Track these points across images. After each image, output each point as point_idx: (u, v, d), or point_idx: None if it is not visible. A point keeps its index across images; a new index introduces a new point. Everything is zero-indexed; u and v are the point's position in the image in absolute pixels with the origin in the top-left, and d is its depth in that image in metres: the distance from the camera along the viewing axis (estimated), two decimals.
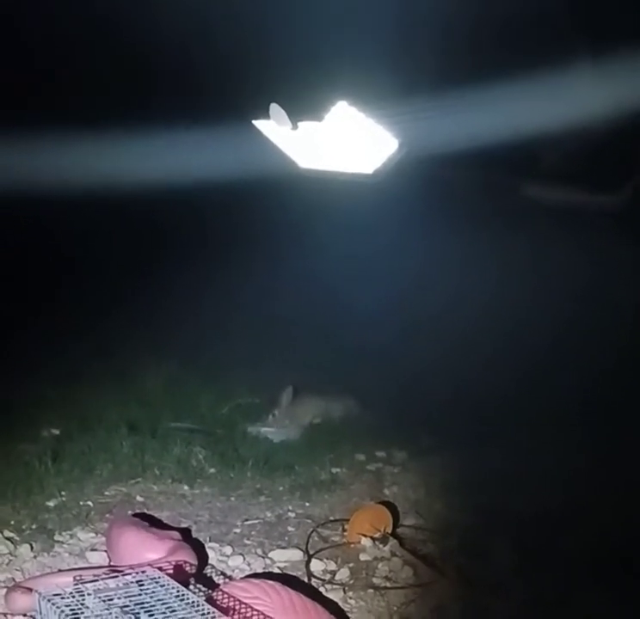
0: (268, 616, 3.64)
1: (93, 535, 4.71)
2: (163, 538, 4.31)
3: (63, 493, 5.16)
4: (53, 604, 3.38)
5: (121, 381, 6.90)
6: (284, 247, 8.36)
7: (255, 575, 4.28)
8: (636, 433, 5.50)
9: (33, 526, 4.78)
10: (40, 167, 5.89)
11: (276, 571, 4.44)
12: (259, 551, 4.64)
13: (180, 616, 3.38)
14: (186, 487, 5.36)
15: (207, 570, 4.38)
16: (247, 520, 5.00)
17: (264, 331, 7.97)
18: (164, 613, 3.38)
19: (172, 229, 8.98)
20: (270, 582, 3.87)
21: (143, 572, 3.66)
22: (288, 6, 3.46)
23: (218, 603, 3.65)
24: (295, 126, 3.76)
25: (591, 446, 5.51)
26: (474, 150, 3.89)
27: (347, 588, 4.25)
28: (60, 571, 4.29)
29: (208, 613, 3.39)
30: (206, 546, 4.64)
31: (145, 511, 5.02)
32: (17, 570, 4.36)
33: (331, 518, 5.00)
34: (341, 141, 3.88)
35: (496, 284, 6.94)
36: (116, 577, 3.60)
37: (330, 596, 4.18)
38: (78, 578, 3.74)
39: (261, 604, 3.68)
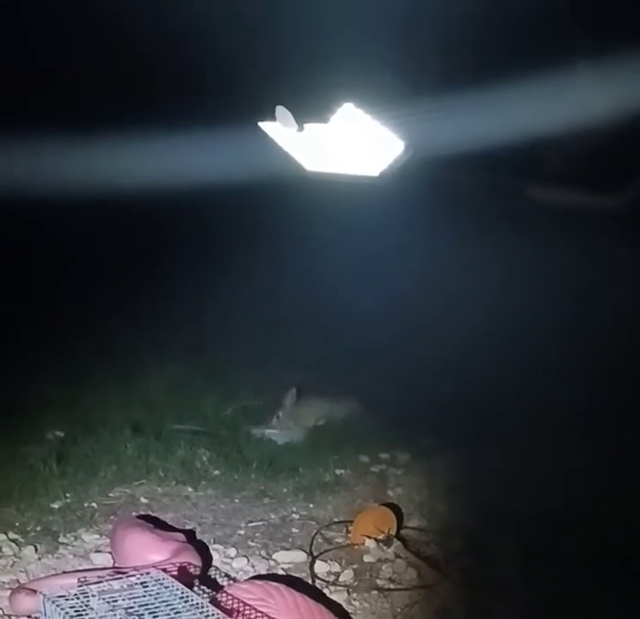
0: (272, 618, 3.64)
1: (97, 536, 4.72)
2: (168, 540, 4.31)
3: (67, 494, 5.16)
4: (58, 606, 3.38)
5: (125, 383, 6.89)
6: (289, 249, 8.36)
7: (259, 577, 4.28)
8: (636, 433, 5.50)
9: (38, 528, 4.78)
10: (43, 168, 5.90)
11: (280, 572, 4.45)
12: (263, 553, 4.64)
13: (184, 618, 3.38)
14: (190, 489, 5.36)
15: (211, 572, 4.39)
16: (251, 522, 4.99)
17: (268, 332, 7.97)
18: (168, 614, 3.38)
19: (176, 231, 8.99)
20: (274, 584, 3.87)
21: (147, 573, 3.66)
22: (294, 8, 3.46)
23: (222, 604, 3.65)
24: (301, 128, 3.76)
25: (591, 446, 5.50)
26: (479, 152, 3.89)
27: (351, 590, 4.25)
28: (65, 572, 4.29)
29: (212, 615, 3.39)
30: (210, 547, 4.64)
31: (150, 512, 5.02)
32: (22, 571, 4.37)
33: (335, 520, 5.00)
34: (346, 143, 3.88)
35: (499, 285, 6.94)
36: (120, 578, 3.60)
37: (334, 597, 4.18)
38: (83, 579, 3.73)
39: (265, 606, 3.68)
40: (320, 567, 4.47)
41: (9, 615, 3.96)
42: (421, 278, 7.31)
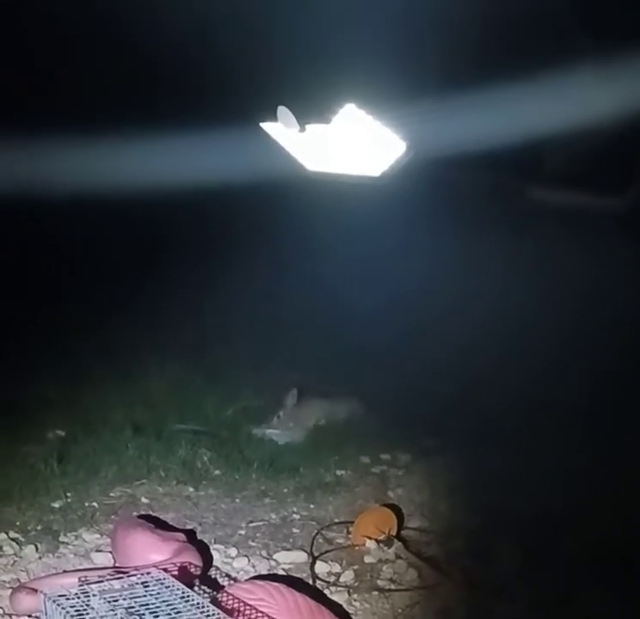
0: (273, 618, 3.64)
1: (98, 536, 4.72)
2: (168, 540, 4.31)
3: (68, 494, 5.16)
4: (58, 605, 3.39)
5: (125, 383, 6.89)
6: (290, 249, 8.36)
7: (260, 577, 4.28)
8: (637, 433, 5.50)
9: (39, 527, 4.78)
10: (44, 168, 5.90)
11: (281, 573, 4.44)
12: (264, 553, 4.64)
13: (185, 618, 3.38)
14: (191, 489, 5.35)
15: (212, 572, 4.39)
16: (252, 522, 4.99)
17: (268, 333, 7.97)
18: (169, 614, 3.38)
19: (176, 231, 8.99)
20: (275, 584, 3.87)
21: (148, 573, 3.66)
22: (296, 8, 3.46)
23: (222, 604, 3.65)
24: (303, 129, 3.76)
25: (591, 446, 5.50)
26: (480, 152, 3.89)
27: (351, 590, 4.25)
28: (65, 572, 4.29)
29: (213, 614, 3.39)
30: (210, 547, 4.64)
31: (150, 512, 5.02)
32: (22, 571, 4.37)
33: (336, 520, 4.99)
34: (348, 143, 3.88)
35: (500, 285, 6.94)
36: (121, 578, 3.60)
37: (335, 598, 4.18)
38: (83, 579, 3.74)
39: (266, 606, 3.68)
40: (321, 568, 4.47)
41: (10, 615, 3.96)
42: (423, 278, 7.31)
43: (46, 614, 3.43)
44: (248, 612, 3.64)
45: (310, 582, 4.34)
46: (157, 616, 3.36)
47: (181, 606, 3.44)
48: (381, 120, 3.73)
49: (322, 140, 3.90)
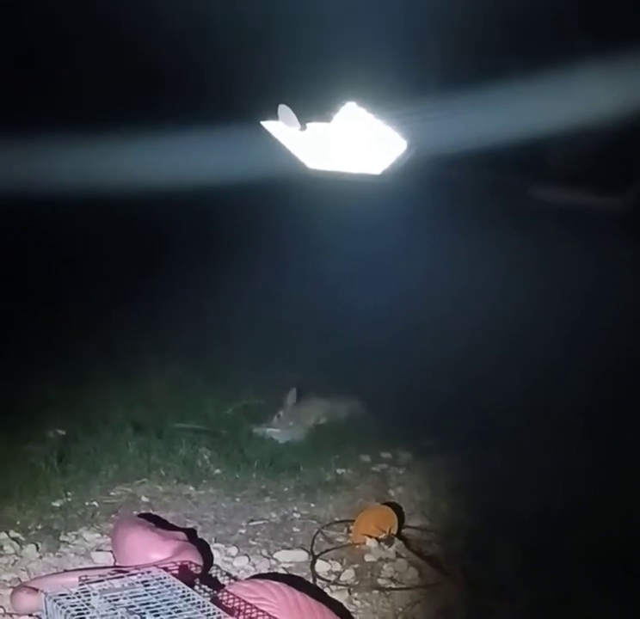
0: (273, 617, 3.64)
1: (98, 535, 4.72)
2: (169, 539, 4.31)
3: (68, 493, 5.16)
4: (59, 604, 3.38)
5: (125, 382, 6.89)
6: (291, 248, 8.35)
7: (261, 576, 4.29)
8: (637, 433, 5.50)
9: (39, 526, 4.79)
10: (44, 168, 5.90)
11: (281, 571, 4.45)
12: (264, 552, 4.64)
13: (185, 617, 3.38)
14: (191, 488, 5.36)
15: (212, 571, 4.39)
16: (252, 521, 5.00)
17: (268, 332, 7.97)
18: (170, 613, 3.38)
19: (177, 230, 8.99)
20: (275, 583, 3.87)
21: (148, 572, 3.66)
22: (297, 7, 3.46)
23: (223, 603, 3.65)
24: (304, 127, 3.76)
25: (591, 446, 5.50)
26: (482, 150, 3.89)
27: (352, 589, 4.25)
28: (66, 571, 4.30)
29: (213, 613, 3.38)
30: (211, 546, 4.64)
31: (151, 511, 5.02)
32: (23, 570, 4.37)
33: (336, 519, 4.99)
34: (349, 142, 3.88)
35: (501, 284, 6.94)
36: (122, 577, 3.60)
37: (335, 597, 4.19)
38: (84, 578, 3.75)
39: (267, 605, 3.68)
40: (321, 567, 4.47)
41: (11, 614, 3.96)
42: (423, 277, 7.30)
43: (46, 613, 3.42)
44: (248, 611, 3.64)
45: (311, 581, 4.34)
46: (158, 615, 3.36)
47: (181, 605, 3.43)
48: (382, 119, 3.73)
49: (323, 138, 3.90)
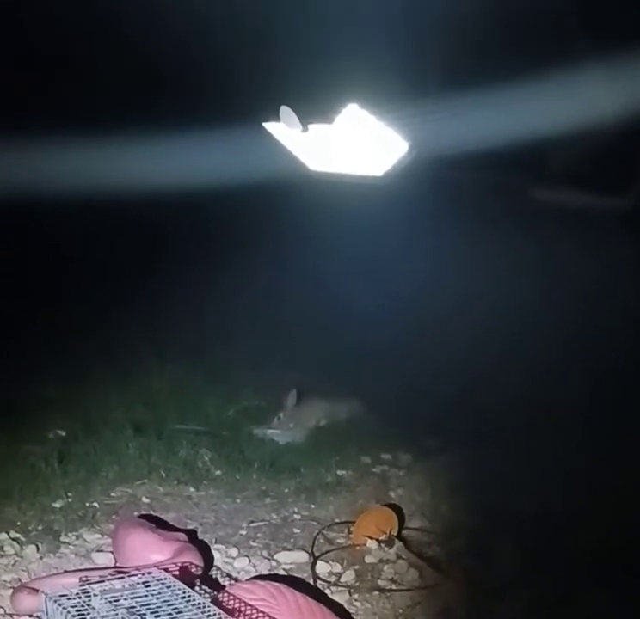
0: (274, 618, 3.64)
1: (99, 536, 4.72)
2: (169, 540, 4.32)
3: (69, 494, 5.16)
4: (59, 605, 3.39)
5: (126, 383, 6.89)
6: (292, 249, 8.35)
7: (261, 577, 4.29)
8: (637, 433, 5.50)
9: (40, 527, 4.79)
10: (44, 168, 5.90)
11: (282, 573, 4.45)
12: (264, 553, 4.64)
13: (186, 618, 3.38)
14: (192, 489, 5.36)
15: (213, 572, 4.40)
16: (252, 522, 5.00)
17: (269, 332, 7.96)
18: (170, 614, 3.39)
19: (177, 231, 8.98)
20: (276, 584, 3.87)
21: (149, 573, 3.67)
22: (298, 8, 3.46)
23: (223, 604, 3.66)
24: (305, 129, 3.75)
25: (591, 446, 5.50)
26: (483, 151, 3.89)
27: (352, 590, 4.25)
28: (66, 572, 4.30)
29: (214, 614, 3.39)
30: (211, 547, 4.64)
31: (151, 512, 5.02)
32: (23, 571, 4.37)
33: (337, 521, 5.00)
34: (351, 143, 3.87)
35: (502, 285, 6.93)
36: (122, 578, 3.61)
37: (336, 598, 4.19)
38: (84, 579, 3.74)
39: (267, 606, 3.69)
40: (322, 568, 4.47)
41: (11, 615, 3.96)
42: (424, 278, 7.30)
43: (47, 614, 3.43)
44: (249, 612, 3.64)
45: (311, 582, 4.34)
46: (158, 616, 3.37)
47: (182, 606, 3.44)
48: (384, 120, 3.72)
49: (324, 140, 3.90)
